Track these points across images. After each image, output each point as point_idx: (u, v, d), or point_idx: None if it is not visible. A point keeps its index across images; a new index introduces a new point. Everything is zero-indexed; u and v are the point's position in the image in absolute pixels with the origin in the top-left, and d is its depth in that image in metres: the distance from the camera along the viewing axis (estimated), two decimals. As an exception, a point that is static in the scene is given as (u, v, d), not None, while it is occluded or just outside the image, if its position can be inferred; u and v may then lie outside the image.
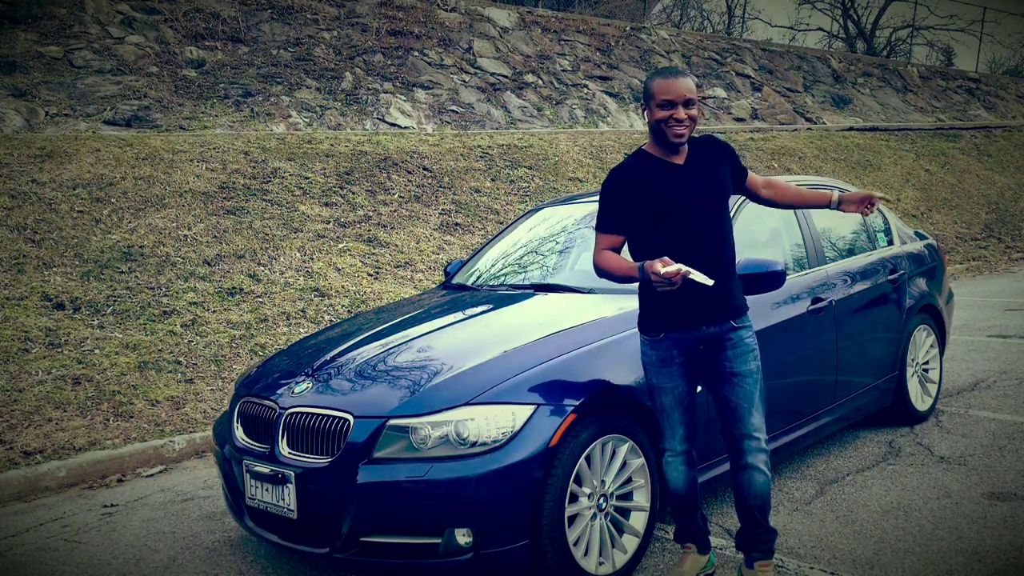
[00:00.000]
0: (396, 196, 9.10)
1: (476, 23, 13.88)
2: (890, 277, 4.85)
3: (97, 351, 5.80)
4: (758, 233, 4.24)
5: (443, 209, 9.20)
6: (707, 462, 3.53)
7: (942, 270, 5.55)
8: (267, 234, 7.73)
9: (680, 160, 2.95)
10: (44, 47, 9.92)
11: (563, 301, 3.86)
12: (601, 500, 3.15)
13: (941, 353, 5.41)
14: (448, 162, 10.18)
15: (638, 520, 3.25)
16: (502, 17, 14.37)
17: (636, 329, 3.11)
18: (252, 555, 3.64)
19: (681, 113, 2.84)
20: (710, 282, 2.69)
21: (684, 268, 2.66)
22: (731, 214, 3.24)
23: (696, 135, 3.01)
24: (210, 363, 5.99)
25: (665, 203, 2.88)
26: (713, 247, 2.92)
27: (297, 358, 3.68)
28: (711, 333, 2.93)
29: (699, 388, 3.08)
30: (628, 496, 3.24)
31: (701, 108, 3.10)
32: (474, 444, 2.91)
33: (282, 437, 3.18)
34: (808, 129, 16.19)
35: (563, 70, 14.28)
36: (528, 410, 2.97)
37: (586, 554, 3.08)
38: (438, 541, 2.90)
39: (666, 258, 2.68)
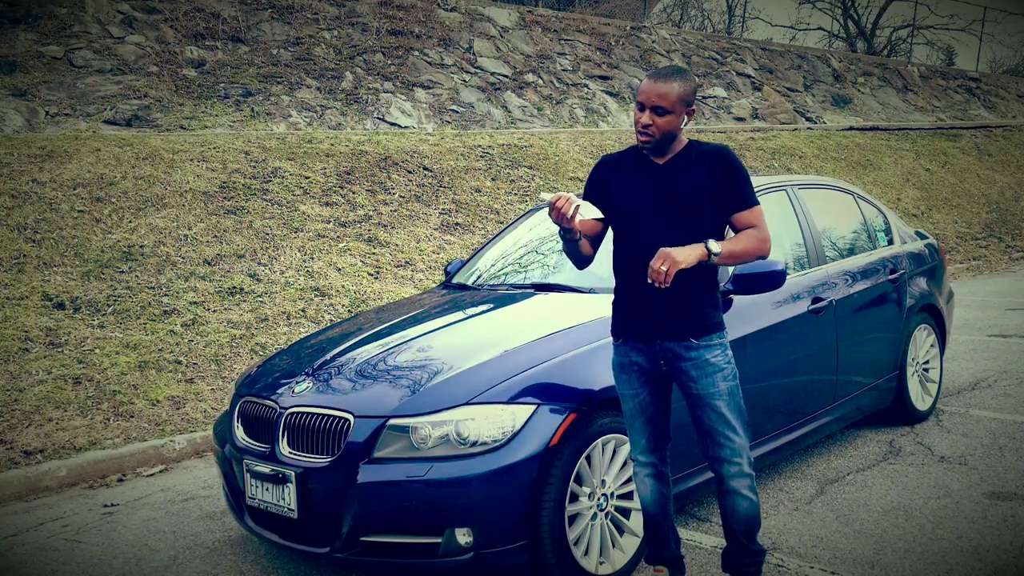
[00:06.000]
0: (396, 196, 9.09)
1: (476, 23, 13.88)
2: (890, 277, 4.85)
3: (97, 351, 5.80)
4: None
5: (443, 209, 9.20)
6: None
7: (942, 270, 5.55)
8: (267, 234, 7.73)
9: (661, 160, 2.75)
10: (44, 47, 9.92)
11: (564, 301, 3.86)
12: (601, 500, 3.15)
13: (941, 353, 5.41)
14: (448, 162, 10.18)
15: (639, 520, 3.24)
16: (502, 16, 14.36)
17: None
18: (252, 555, 3.64)
19: (645, 118, 2.63)
20: (598, 215, 2.57)
21: (573, 198, 2.52)
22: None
23: (712, 144, 2.76)
24: (210, 363, 5.99)
25: (623, 200, 2.75)
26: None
27: (297, 358, 3.69)
28: (668, 348, 2.75)
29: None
30: (629, 496, 3.24)
31: (679, 116, 2.73)
32: (474, 444, 2.91)
33: (282, 437, 3.18)
34: (808, 128, 16.18)
35: (563, 70, 14.27)
36: (528, 410, 2.97)
37: (586, 554, 3.08)
38: (438, 541, 2.90)
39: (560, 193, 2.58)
